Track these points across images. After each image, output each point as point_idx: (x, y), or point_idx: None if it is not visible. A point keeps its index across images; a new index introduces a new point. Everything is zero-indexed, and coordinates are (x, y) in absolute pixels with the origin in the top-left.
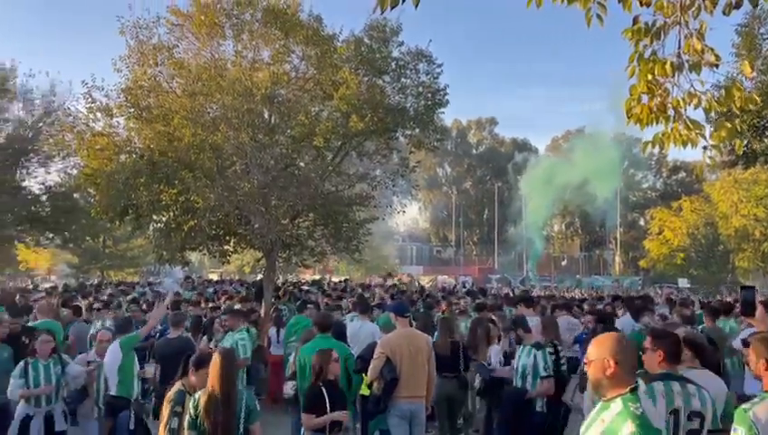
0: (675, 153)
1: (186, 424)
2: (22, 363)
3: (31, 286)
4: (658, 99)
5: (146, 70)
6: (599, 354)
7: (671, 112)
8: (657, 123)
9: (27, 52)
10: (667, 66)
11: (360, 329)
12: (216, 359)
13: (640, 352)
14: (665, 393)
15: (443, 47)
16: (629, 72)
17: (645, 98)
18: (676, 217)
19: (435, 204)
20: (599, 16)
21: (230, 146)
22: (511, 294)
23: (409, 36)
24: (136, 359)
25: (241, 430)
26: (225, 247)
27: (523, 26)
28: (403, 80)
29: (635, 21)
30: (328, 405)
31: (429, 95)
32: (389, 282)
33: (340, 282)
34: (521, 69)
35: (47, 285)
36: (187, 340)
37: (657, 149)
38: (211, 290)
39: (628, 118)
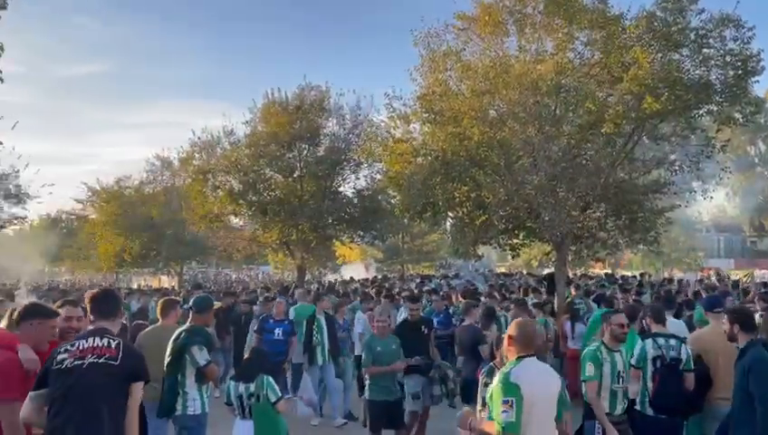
0: None
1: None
2: None
3: (348, 278)
4: None
5: (437, 76)
6: (507, 335)
7: None
8: None
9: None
10: None
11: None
12: None
13: None
14: None
15: (756, 7)
16: None
17: None
18: None
19: (746, 188)
20: None
21: (517, 141)
22: None
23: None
24: None
25: None
26: (515, 241)
27: None
28: (705, 50)
29: None
30: None
31: (739, 64)
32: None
33: (634, 276)
34: None
35: (361, 277)
36: (476, 328)
37: None
38: (500, 283)
39: None
